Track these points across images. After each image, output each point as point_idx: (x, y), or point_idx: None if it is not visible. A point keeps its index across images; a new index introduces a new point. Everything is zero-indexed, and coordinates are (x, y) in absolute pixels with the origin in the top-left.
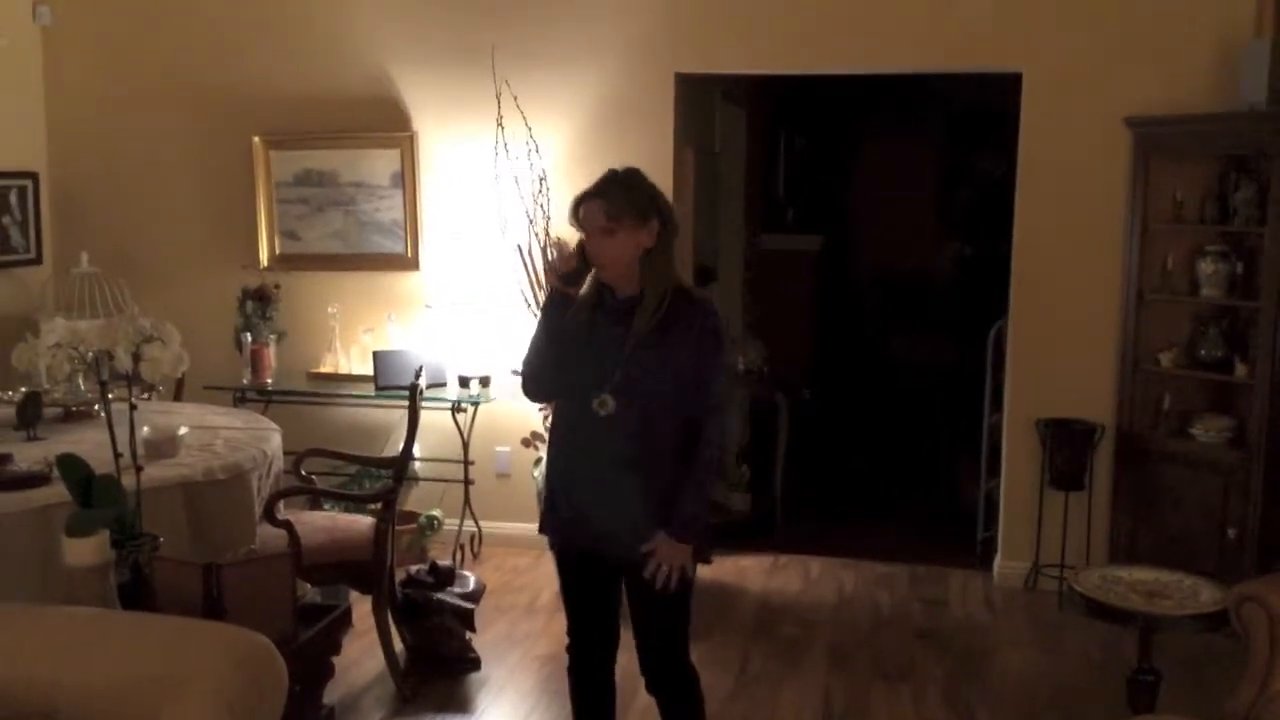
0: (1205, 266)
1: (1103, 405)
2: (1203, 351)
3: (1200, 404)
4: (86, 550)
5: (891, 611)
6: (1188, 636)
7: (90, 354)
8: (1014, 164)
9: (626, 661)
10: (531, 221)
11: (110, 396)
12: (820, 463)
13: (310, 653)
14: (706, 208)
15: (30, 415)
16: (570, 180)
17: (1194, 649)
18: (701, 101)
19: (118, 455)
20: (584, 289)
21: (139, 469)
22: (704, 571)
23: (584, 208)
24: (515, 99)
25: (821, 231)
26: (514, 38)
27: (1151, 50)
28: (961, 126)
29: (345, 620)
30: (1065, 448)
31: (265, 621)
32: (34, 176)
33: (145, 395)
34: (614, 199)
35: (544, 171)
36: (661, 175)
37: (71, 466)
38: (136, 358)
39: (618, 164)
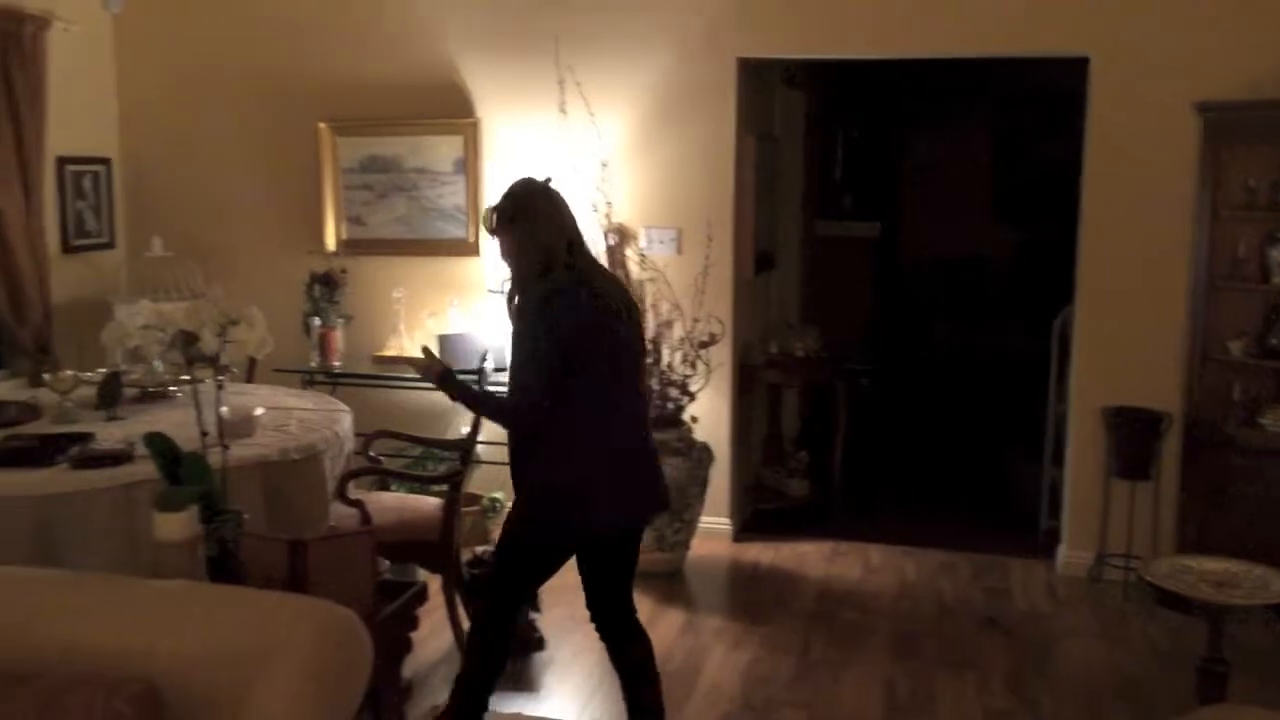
0: (1277, 254)
1: (1170, 394)
2: (1274, 340)
3: (1271, 393)
4: (176, 525)
5: (954, 600)
6: (1258, 627)
7: (176, 335)
8: (1075, 149)
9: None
10: (594, 208)
11: (187, 378)
12: (878, 449)
13: (390, 628)
14: (765, 194)
15: (110, 395)
16: (633, 167)
17: (1264, 640)
18: (762, 86)
19: (204, 434)
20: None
21: (225, 447)
22: (763, 555)
23: None
24: (578, 85)
25: (878, 218)
26: (577, 25)
27: (1222, 33)
28: (1020, 110)
29: (422, 597)
30: (1132, 436)
31: (348, 596)
32: (107, 162)
33: (222, 377)
34: (489, 209)
35: (606, 158)
36: (722, 162)
37: (160, 444)
38: (222, 339)
39: (679, 150)
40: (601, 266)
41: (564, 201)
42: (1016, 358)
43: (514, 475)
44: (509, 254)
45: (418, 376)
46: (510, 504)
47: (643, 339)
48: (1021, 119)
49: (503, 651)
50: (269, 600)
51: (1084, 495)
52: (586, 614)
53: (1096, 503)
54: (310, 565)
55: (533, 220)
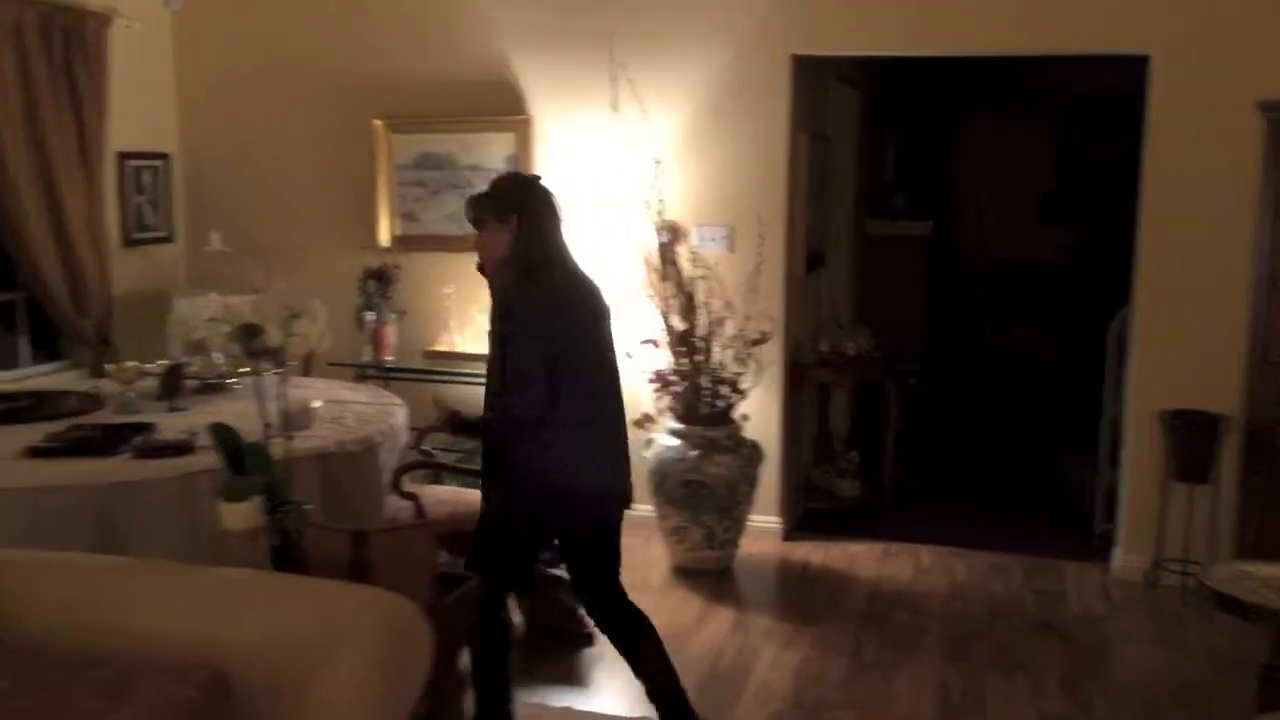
0: None
1: (1230, 396)
2: None
3: None
4: (241, 515)
5: (1006, 602)
6: None
7: (240, 327)
8: (1133, 149)
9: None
10: (646, 206)
11: (245, 370)
12: (930, 450)
13: (448, 619)
14: (817, 192)
15: (172, 386)
16: (685, 165)
17: None
18: (815, 84)
19: (267, 425)
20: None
21: (289, 439)
22: (813, 555)
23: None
24: (631, 83)
25: (930, 217)
26: (631, 22)
27: None
28: (1076, 109)
29: (478, 589)
30: (1190, 439)
31: (408, 588)
32: (166, 157)
33: (280, 370)
34: (473, 201)
35: (659, 156)
36: (774, 160)
37: (224, 435)
38: (286, 333)
39: (731, 148)
40: (580, 269)
41: (555, 201)
42: (1071, 359)
43: (488, 472)
44: (494, 249)
45: (468, 372)
46: (487, 498)
47: (613, 339)
48: (1078, 118)
49: (504, 640)
50: (333, 590)
51: (1140, 498)
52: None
53: (1153, 506)
54: (372, 556)
55: (529, 218)
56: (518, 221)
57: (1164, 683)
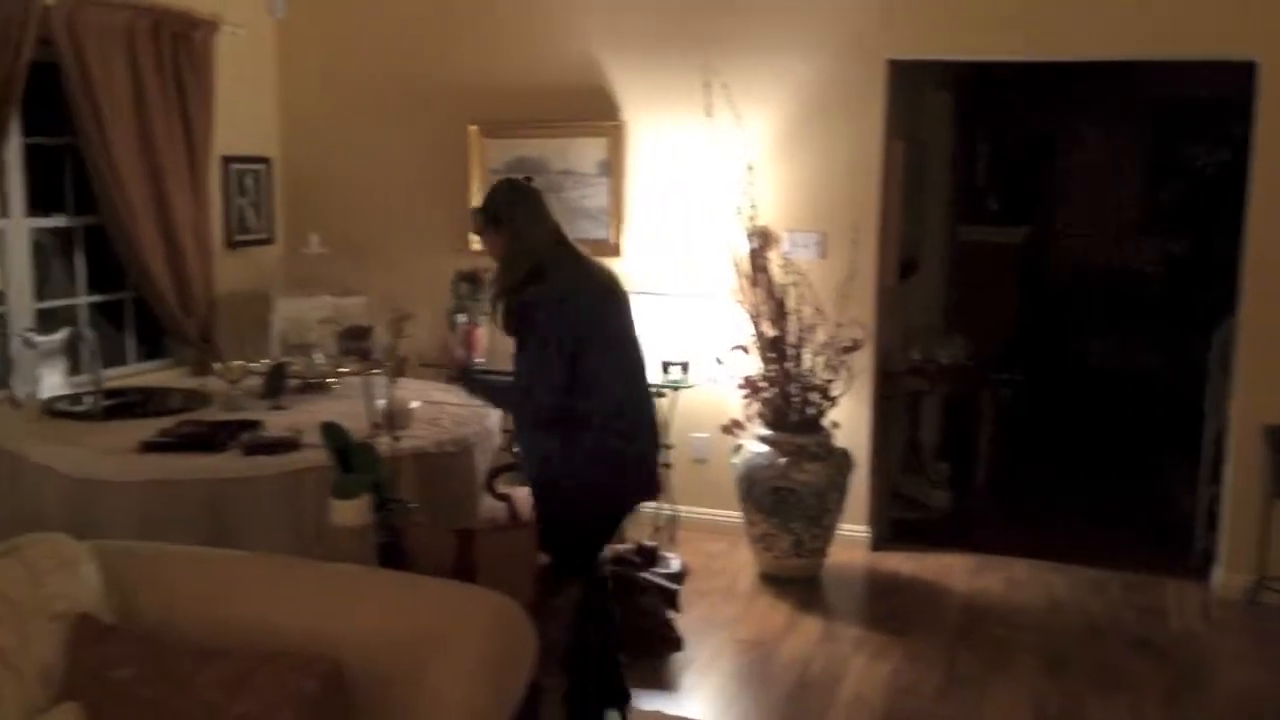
0: None
1: None
2: None
3: None
4: (351, 512)
5: (1104, 619)
6: None
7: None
8: (1237, 156)
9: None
10: (739, 211)
11: (345, 370)
12: (1024, 462)
13: (549, 620)
14: (911, 198)
15: (276, 385)
16: (778, 170)
17: None
18: (910, 88)
19: (375, 425)
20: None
21: (396, 438)
22: (903, 566)
23: None
24: (725, 88)
25: (1024, 223)
26: (725, 27)
27: None
28: (1172, 114)
29: (578, 590)
30: None
31: (511, 587)
32: (267, 161)
33: (376, 371)
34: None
35: (752, 161)
36: (868, 166)
37: (334, 434)
38: (395, 335)
39: (825, 154)
40: (589, 258)
41: (545, 200)
42: (1171, 370)
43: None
44: (497, 256)
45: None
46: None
47: (634, 326)
48: (1178, 124)
49: (610, 623)
50: (442, 587)
51: (1243, 515)
52: (725, 615)
53: (1256, 523)
54: (477, 555)
55: (519, 222)
56: (508, 225)
57: (1268, 704)
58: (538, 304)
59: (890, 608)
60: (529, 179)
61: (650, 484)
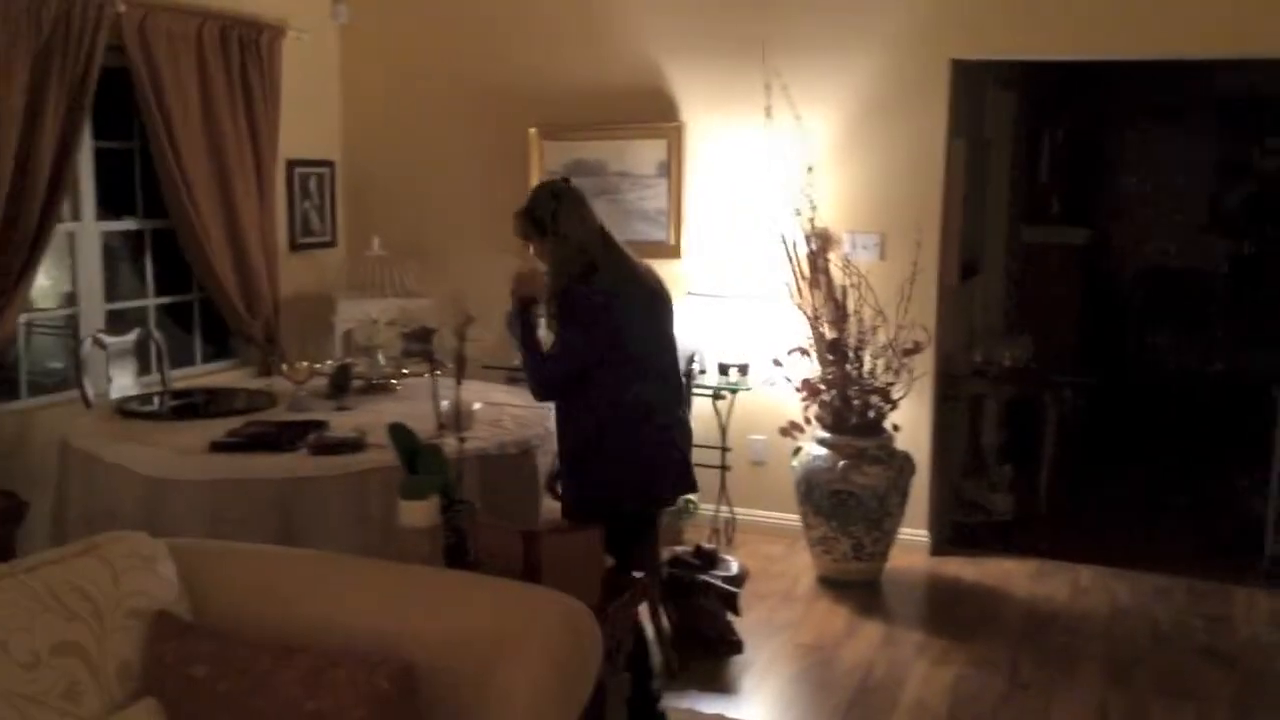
0: None
1: None
2: None
3: None
4: (420, 512)
5: (1170, 626)
6: None
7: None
8: None
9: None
10: (798, 213)
11: (405, 371)
12: (1087, 465)
13: (615, 621)
14: (973, 198)
15: (340, 386)
16: (838, 171)
17: None
18: (972, 87)
19: (441, 426)
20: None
21: (462, 440)
22: (964, 571)
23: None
24: (785, 89)
25: (1088, 223)
26: (785, 27)
27: None
28: (1240, 113)
29: (644, 592)
30: None
31: (578, 589)
32: (331, 165)
33: (438, 372)
34: (515, 218)
35: (811, 162)
36: (931, 166)
37: (402, 435)
38: (461, 337)
39: (886, 154)
40: (635, 258)
41: (587, 200)
42: (1239, 372)
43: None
44: (546, 261)
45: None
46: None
47: (674, 329)
48: (1246, 123)
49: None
50: (511, 588)
51: None
52: (784, 618)
53: None
54: (543, 556)
55: (564, 226)
56: (553, 230)
57: None
58: (587, 295)
59: (952, 613)
60: (567, 180)
61: (682, 479)
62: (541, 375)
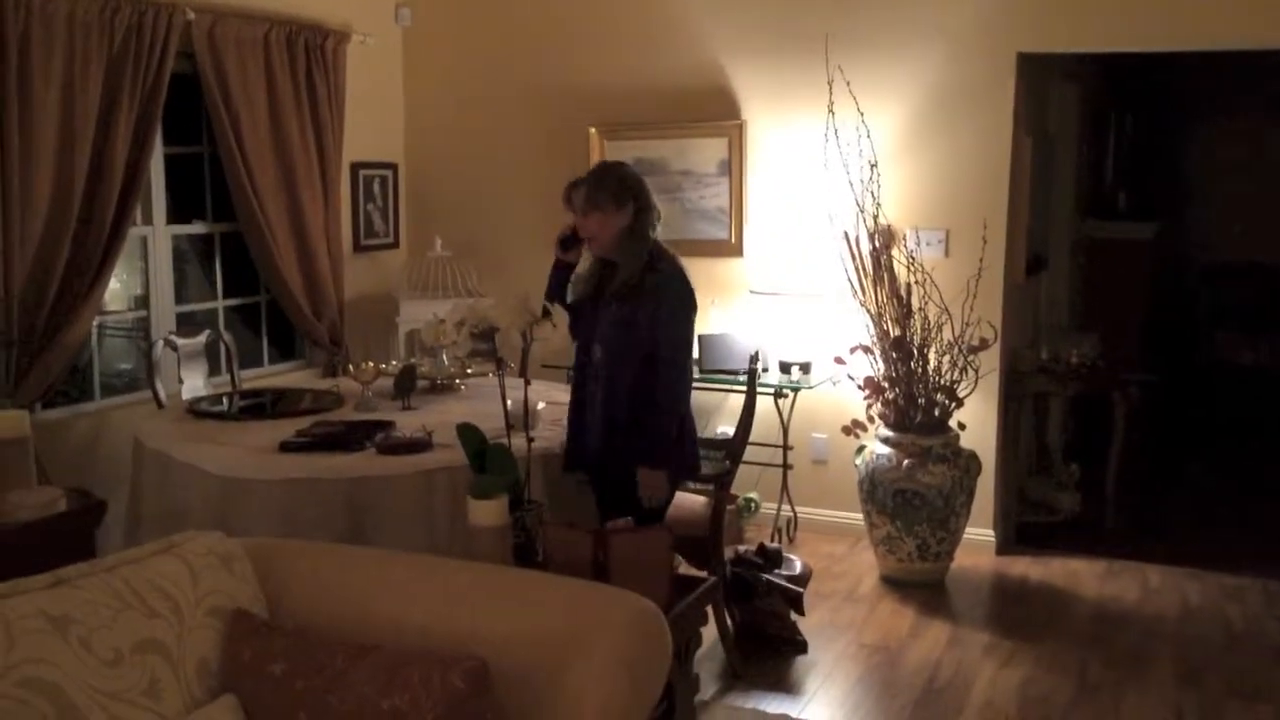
0: None
1: None
2: None
3: None
4: (489, 512)
5: (1243, 628)
6: None
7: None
8: None
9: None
10: (861, 209)
11: (470, 371)
12: (1157, 464)
13: (685, 621)
14: (1039, 193)
15: (406, 386)
16: (901, 167)
17: None
18: (1038, 81)
19: (509, 426)
20: (586, 262)
21: (530, 440)
22: (1031, 570)
23: (574, 193)
24: (848, 85)
25: (1155, 218)
26: (848, 23)
27: None
28: None
29: (714, 592)
30: None
31: (647, 589)
32: (394, 167)
33: (501, 371)
34: (591, 187)
35: (875, 158)
36: (996, 161)
37: (471, 435)
38: (528, 336)
39: (950, 149)
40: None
41: None
42: None
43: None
44: (606, 231)
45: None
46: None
47: None
48: None
49: None
50: (581, 588)
51: None
52: (848, 618)
53: None
54: (612, 556)
55: (645, 204)
56: (634, 207)
57: None
58: (683, 280)
59: (1019, 614)
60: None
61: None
62: (685, 387)
